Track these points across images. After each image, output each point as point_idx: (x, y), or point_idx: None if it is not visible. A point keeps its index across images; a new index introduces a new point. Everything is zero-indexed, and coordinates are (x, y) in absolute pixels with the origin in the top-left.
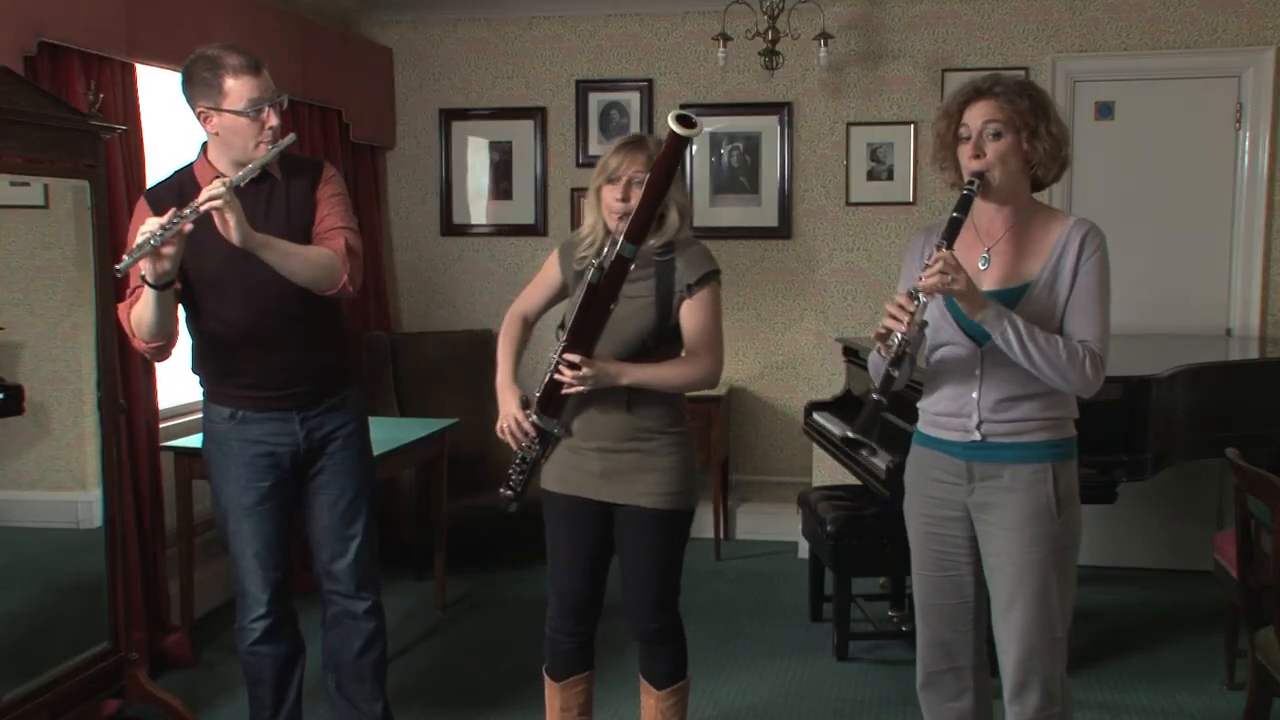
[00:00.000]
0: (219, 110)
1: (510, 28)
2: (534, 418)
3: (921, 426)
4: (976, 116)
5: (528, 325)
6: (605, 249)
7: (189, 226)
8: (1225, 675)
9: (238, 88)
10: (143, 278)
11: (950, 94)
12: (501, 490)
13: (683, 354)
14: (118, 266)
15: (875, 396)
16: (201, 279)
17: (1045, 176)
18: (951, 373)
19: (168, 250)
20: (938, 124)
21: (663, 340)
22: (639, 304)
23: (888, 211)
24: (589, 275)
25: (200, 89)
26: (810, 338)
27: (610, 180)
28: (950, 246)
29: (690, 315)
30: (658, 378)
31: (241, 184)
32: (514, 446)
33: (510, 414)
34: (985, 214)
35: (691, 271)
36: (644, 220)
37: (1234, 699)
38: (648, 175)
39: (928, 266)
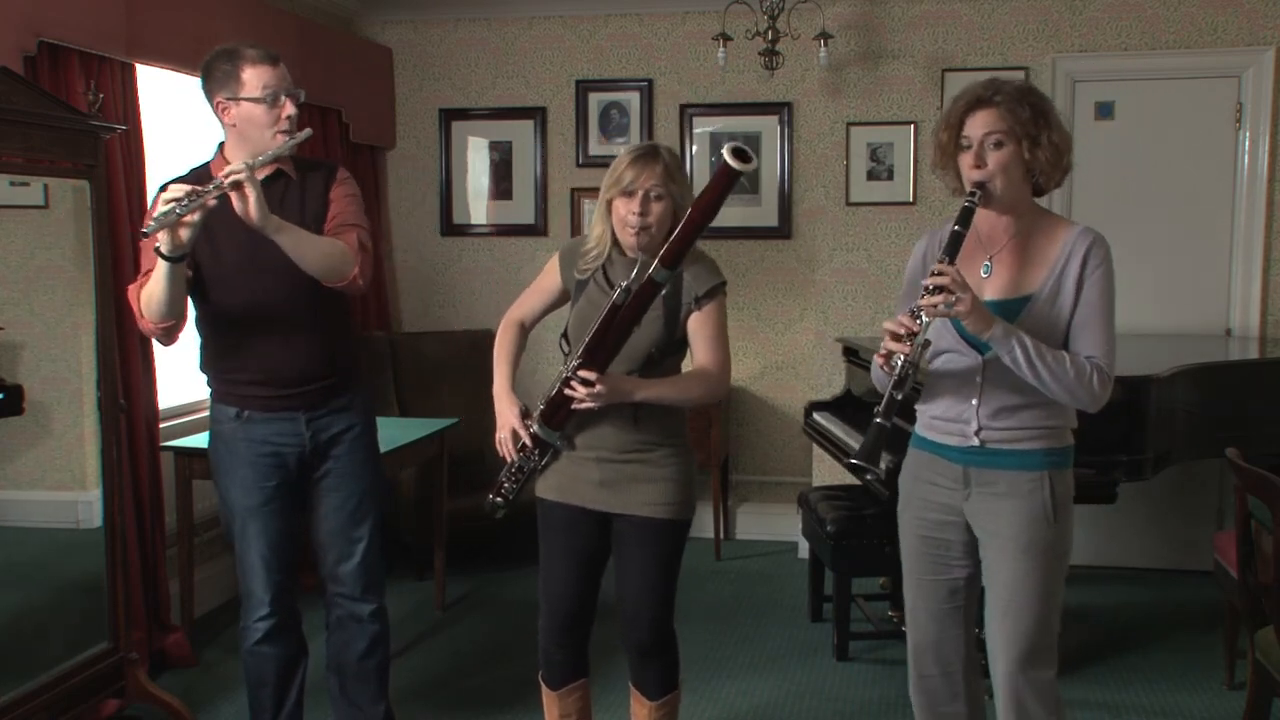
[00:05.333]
0: (237, 100)
1: (510, 28)
2: (535, 428)
3: (919, 429)
4: (978, 127)
5: (524, 331)
6: (636, 270)
7: (213, 201)
8: (1225, 675)
9: (255, 76)
10: (157, 249)
11: (951, 102)
12: (491, 496)
13: (689, 367)
14: (144, 229)
15: (879, 420)
16: (213, 270)
17: (1047, 184)
18: (952, 379)
19: (190, 219)
20: (940, 133)
21: (668, 353)
22: (649, 317)
23: (888, 211)
24: (615, 295)
25: (219, 81)
26: (810, 338)
27: (626, 193)
28: (953, 261)
29: (699, 329)
30: (671, 394)
31: (258, 166)
32: (510, 458)
33: (509, 424)
34: (987, 221)
35: (700, 284)
36: (683, 248)
37: (1234, 699)
38: (663, 191)
39: (930, 279)
